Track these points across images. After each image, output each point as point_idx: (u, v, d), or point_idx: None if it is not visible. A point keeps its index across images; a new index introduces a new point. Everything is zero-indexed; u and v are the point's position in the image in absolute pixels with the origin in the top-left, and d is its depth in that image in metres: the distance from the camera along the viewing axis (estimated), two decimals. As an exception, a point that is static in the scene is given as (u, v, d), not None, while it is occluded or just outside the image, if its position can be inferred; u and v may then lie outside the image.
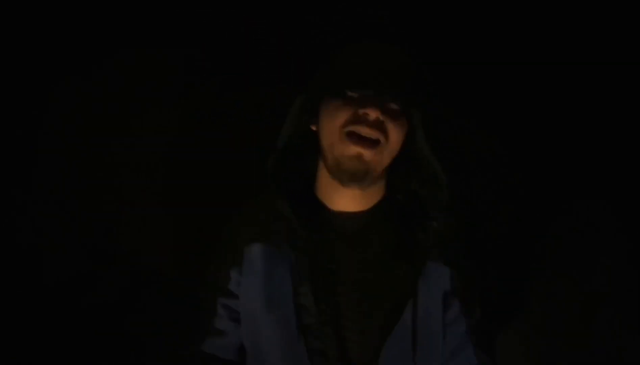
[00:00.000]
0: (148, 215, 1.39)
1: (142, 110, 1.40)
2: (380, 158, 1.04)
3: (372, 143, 1.02)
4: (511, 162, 1.38)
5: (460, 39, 1.38)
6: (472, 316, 1.10)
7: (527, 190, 1.38)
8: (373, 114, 1.00)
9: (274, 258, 1.08)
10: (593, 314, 1.34)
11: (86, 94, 1.39)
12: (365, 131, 1.01)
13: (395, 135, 1.03)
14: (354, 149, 1.01)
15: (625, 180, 1.35)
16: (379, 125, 1.01)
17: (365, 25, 1.37)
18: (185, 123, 1.41)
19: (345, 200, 1.09)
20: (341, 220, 1.09)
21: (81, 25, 1.38)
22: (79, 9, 1.37)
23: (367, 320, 1.05)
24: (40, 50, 1.37)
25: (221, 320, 1.10)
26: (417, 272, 1.07)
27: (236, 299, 1.09)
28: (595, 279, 1.35)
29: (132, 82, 1.39)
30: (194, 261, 1.20)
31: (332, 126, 1.02)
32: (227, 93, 1.40)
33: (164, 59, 1.39)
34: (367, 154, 1.02)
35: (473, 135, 1.37)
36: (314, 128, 1.09)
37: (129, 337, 1.36)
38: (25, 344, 1.35)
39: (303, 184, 1.13)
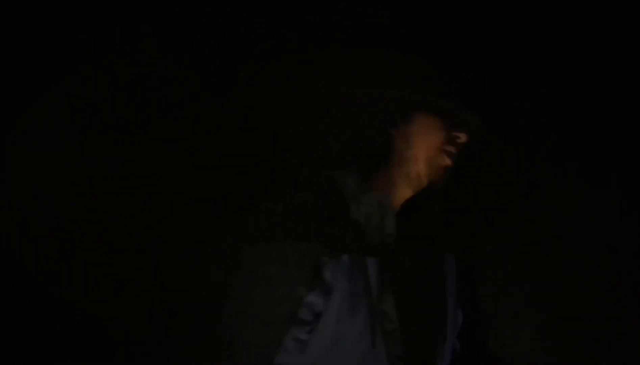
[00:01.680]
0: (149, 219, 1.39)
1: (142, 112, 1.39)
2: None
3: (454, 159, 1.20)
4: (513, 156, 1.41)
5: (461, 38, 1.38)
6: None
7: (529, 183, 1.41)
8: (463, 138, 1.18)
9: (351, 268, 1.12)
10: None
11: (81, 95, 1.39)
12: (455, 150, 1.18)
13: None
14: (447, 161, 1.17)
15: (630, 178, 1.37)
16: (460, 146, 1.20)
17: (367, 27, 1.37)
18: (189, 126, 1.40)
19: (400, 202, 1.20)
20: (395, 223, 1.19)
21: (81, 24, 1.37)
22: (76, 10, 1.36)
23: (427, 322, 1.16)
24: (33, 53, 1.36)
25: (289, 354, 1.10)
26: (442, 267, 1.21)
27: (309, 326, 1.10)
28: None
29: (129, 83, 1.39)
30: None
31: (434, 142, 1.17)
32: (226, 95, 1.40)
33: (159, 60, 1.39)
34: (450, 167, 1.19)
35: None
36: (392, 131, 1.18)
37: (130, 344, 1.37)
38: (25, 345, 1.35)
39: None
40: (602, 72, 1.37)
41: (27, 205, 1.38)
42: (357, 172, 1.19)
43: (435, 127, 1.18)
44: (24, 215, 1.38)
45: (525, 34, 1.39)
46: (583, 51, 1.38)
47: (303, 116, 1.27)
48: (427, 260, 1.19)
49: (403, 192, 1.19)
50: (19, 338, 1.35)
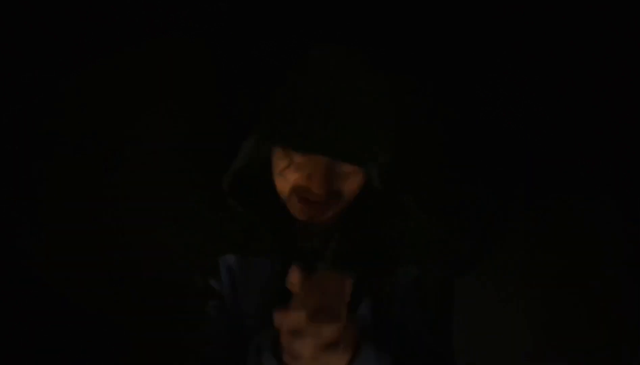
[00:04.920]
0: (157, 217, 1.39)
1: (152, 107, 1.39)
2: (332, 210, 1.00)
3: (320, 205, 0.98)
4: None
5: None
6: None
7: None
8: (321, 179, 0.95)
9: (250, 268, 1.06)
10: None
11: (90, 91, 1.39)
12: (313, 197, 0.96)
13: (347, 192, 0.99)
14: (301, 208, 0.98)
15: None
16: (328, 187, 0.96)
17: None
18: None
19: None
20: (308, 231, 1.06)
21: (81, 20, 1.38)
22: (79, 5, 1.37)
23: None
24: (41, 48, 1.37)
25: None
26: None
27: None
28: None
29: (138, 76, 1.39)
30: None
31: (281, 185, 1.00)
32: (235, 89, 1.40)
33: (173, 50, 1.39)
34: (315, 212, 0.98)
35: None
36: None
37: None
38: (25, 346, 1.35)
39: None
40: (605, 70, 1.36)
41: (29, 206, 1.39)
42: None
43: (283, 168, 0.98)
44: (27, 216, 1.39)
45: (525, 34, 1.38)
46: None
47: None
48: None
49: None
50: (19, 338, 1.36)
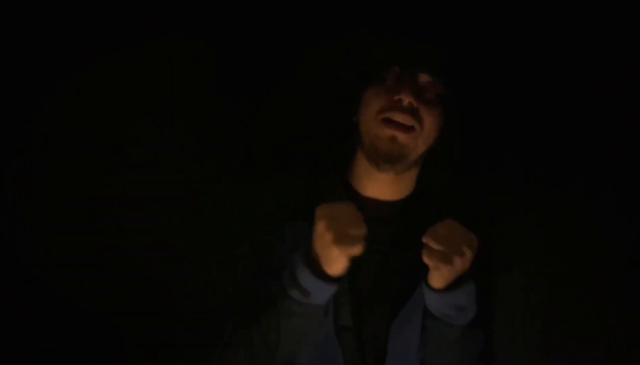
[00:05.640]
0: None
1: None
2: (414, 144, 1.07)
3: (406, 128, 1.04)
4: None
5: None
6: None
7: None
8: (407, 100, 1.03)
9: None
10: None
11: (90, 91, 1.39)
12: (399, 117, 1.04)
13: (429, 123, 1.06)
14: (388, 132, 1.04)
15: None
16: (413, 112, 1.04)
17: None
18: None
19: (379, 186, 1.11)
20: (372, 206, 1.11)
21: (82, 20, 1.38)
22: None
23: (386, 308, 1.07)
24: (42, 48, 1.37)
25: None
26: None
27: None
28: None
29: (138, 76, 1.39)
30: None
31: (368, 114, 1.06)
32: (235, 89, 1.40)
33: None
34: (400, 136, 1.04)
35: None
36: (354, 119, 1.11)
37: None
38: (25, 346, 1.35)
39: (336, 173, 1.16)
40: (605, 70, 1.36)
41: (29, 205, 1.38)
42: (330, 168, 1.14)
43: (372, 96, 1.06)
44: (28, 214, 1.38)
45: (525, 34, 1.38)
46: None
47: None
48: (408, 255, 1.07)
49: (372, 176, 1.09)
50: (19, 338, 1.35)
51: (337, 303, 1.04)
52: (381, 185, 1.11)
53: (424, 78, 1.07)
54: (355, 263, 1.00)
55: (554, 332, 1.37)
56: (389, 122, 1.04)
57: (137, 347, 1.36)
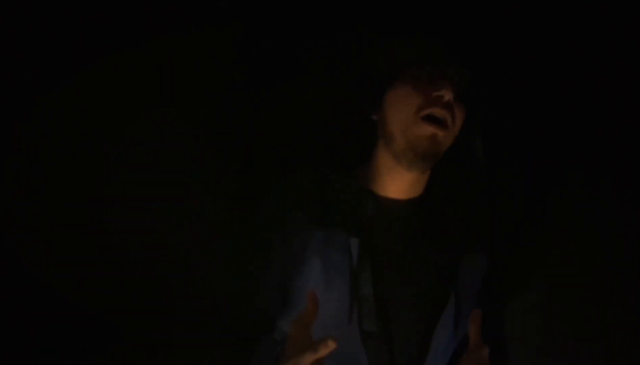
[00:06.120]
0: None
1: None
2: (447, 141, 1.08)
3: (445, 125, 1.05)
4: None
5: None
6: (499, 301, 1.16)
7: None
8: (447, 96, 1.03)
9: (329, 242, 1.07)
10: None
11: (90, 91, 1.39)
12: (440, 113, 1.04)
13: (459, 119, 1.07)
14: (430, 130, 1.04)
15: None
16: (450, 107, 1.04)
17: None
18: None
19: (399, 185, 1.11)
20: (391, 206, 1.11)
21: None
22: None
23: (414, 309, 1.07)
24: (42, 48, 1.37)
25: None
26: (457, 262, 1.09)
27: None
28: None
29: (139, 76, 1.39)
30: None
31: (405, 111, 1.05)
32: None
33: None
34: (440, 134, 1.05)
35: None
36: (374, 117, 1.11)
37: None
38: (25, 346, 1.35)
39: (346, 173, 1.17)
40: (605, 70, 1.36)
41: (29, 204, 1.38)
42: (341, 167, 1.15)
43: (407, 94, 1.05)
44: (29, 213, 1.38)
45: (525, 34, 1.38)
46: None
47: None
48: (434, 252, 1.09)
49: (396, 175, 1.10)
50: (19, 338, 1.35)
51: (360, 308, 1.05)
52: (402, 184, 1.12)
53: (452, 75, 1.07)
54: (376, 266, 1.02)
55: (554, 332, 1.37)
56: (430, 119, 1.04)
57: (136, 347, 1.36)
